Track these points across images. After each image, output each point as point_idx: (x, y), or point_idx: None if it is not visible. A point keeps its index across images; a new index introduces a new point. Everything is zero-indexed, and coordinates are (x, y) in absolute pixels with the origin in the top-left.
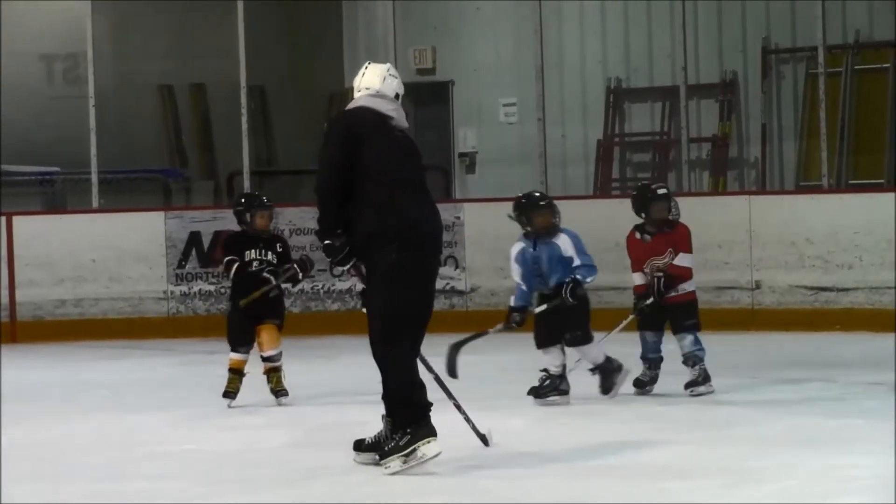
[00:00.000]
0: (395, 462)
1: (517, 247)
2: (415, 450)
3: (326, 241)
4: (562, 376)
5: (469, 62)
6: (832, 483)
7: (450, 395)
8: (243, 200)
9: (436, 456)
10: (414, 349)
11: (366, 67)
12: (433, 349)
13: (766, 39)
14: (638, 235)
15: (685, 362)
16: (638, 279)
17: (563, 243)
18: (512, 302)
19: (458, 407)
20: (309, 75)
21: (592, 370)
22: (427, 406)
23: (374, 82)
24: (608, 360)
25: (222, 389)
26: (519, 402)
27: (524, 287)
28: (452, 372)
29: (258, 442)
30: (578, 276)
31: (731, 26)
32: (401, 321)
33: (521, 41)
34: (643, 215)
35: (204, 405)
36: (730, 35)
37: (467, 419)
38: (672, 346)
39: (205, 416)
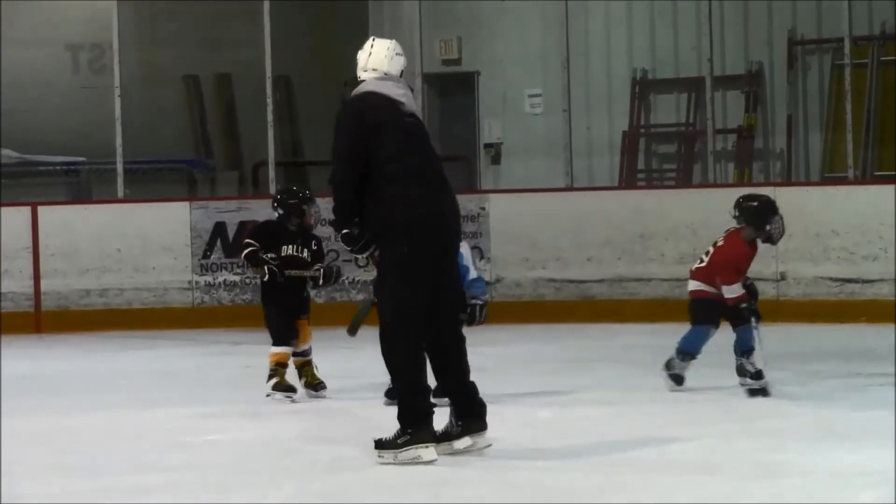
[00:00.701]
0: (388, 455)
1: None
2: (410, 451)
3: (345, 231)
4: None
5: (495, 53)
6: (855, 477)
7: None
8: (298, 194)
9: (431, 461)
10: (431, 346)
11: (371, 44)
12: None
13: (792, 31)
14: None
15: (742, 354)
16: (739, 289)
17: (465, 251)
18: None
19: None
20: (335, 65)
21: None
22: (430, 411)
23: (381, 63)
24: None
25: (245, 381)
26: (543, 395)
27: None
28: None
29: (284, 433)
30: (477, 294)
31: (757, 17)
32: (409, 318)
33: (547, 32)
34: (764, 227)
35: (229, 395)
36: (756, 26)
37: None
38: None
39: (231, 407)
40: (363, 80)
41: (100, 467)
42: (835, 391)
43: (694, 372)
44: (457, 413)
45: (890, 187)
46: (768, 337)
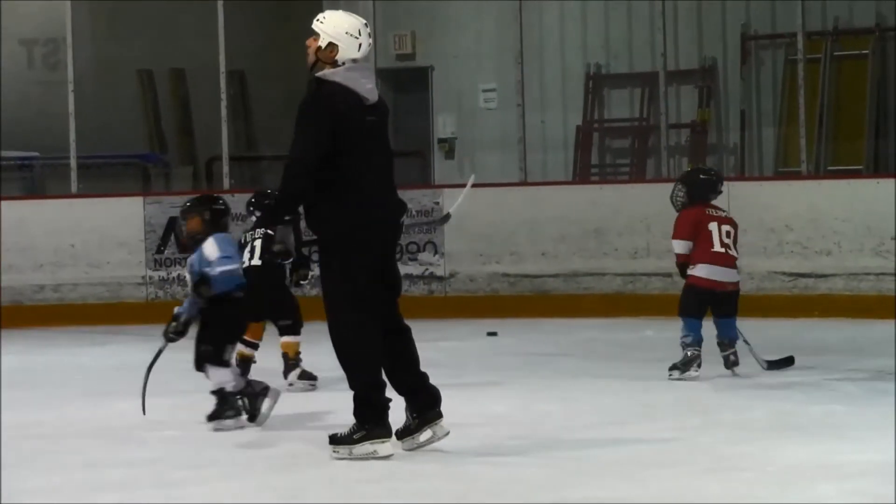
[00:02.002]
0: (343, 450)
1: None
2: (365, 446)
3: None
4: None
5: (449, 48)
6: (813, 469)
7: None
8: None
9: (387, 457)
10: (386, 342)
11: (355, 33)
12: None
13: (746, 26)
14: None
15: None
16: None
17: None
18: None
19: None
20: (289, 60)
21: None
22: (386, 406)
23: (350, 52)
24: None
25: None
26: (499, 389)
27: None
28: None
29: (241, 428)
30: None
31: (710, 13)
32: (366, 314)
33: (500, 26)
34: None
35: (185, 391)
36: (709, 21)
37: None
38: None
39: (186, 402)
40: (332, 69)
41: (54, 463)
42: (790, 385)
43: (645, 366)
44: (411, 406)
45: (843, 182)
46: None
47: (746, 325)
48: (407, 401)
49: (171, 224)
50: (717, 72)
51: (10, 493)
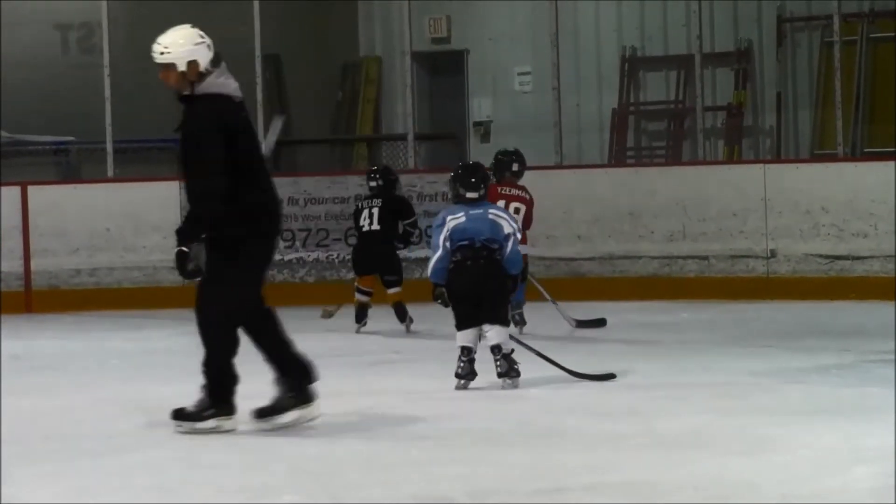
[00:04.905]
0: (187, 425)
1: None
2: (210, 422)
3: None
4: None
5: (484, 31)
6: (847, 452)
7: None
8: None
9: (230, 430)
10: (259, 335)
11: (201, 36)
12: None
13: (781, 8)
14: None
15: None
16: None
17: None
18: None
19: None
20: (324, 44)
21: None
22: (236, 385)
23: (207, 58)
24: None
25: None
26: (534, 371)
27: None
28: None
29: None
30: None
31: None
32: (249, 309)
33: (536, 10)
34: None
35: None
36: (745, 3)
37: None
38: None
39: None
40: (203, 79)
41: (89, 447)
42: (825, 368)
43: (683, 349)
44: (286, 384)
45: (879, 164)
46: (759, 314)
47: (782, 308)
48: (283, 377)
49: None
50: (753, 54)
51: (42, 474)
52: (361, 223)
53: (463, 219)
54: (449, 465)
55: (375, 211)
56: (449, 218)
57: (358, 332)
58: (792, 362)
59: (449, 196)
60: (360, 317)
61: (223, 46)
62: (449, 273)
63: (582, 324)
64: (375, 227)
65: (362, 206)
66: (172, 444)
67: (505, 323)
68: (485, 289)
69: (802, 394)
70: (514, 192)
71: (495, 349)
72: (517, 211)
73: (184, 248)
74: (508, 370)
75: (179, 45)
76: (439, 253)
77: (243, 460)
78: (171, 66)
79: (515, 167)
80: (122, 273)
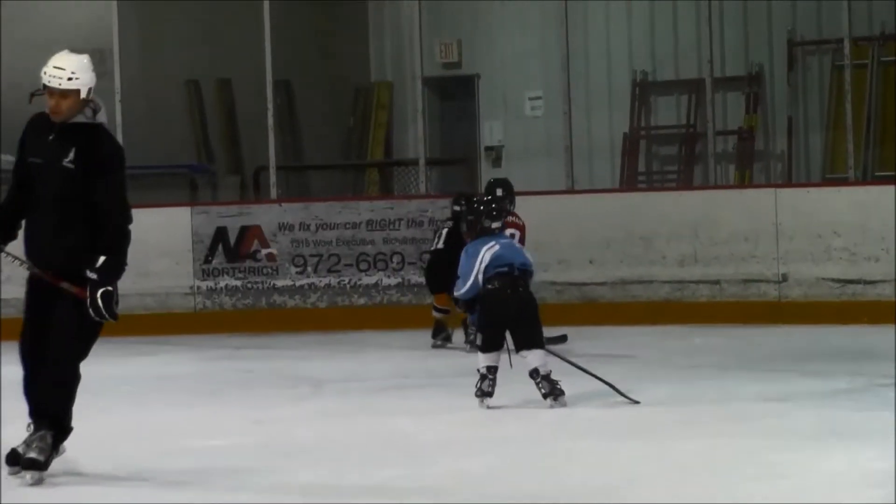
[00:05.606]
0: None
1: None
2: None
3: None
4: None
5: (495, 55)
6: (857, 477)
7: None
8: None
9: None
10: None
11: (87, 61)
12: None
13: (792, 32)
14: None
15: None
16: None
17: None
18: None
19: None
20: (335, 69)
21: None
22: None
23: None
24: None
25: (247, 385)
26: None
27: None
28: None
29: (285, 434)
30: None
31: (756, 19)
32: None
33: (546, 34)
34: None
35: (232, 400)
36: (755, 28)
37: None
38: None
39: (234, 412)
40: (99, 111)
41: (101, 473)
42: (837, 392)
43: (693, 373)
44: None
45: (891, 187)
46: (770, 338)
47: (795, 332)
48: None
49: (219, 234)
50: (764, 78)
51: (55, 497)
52: (433, 243)
53: (497, 247)
54: (462, 488)
55: (444, 232)
56: (485, 248)
57: (433, 346)
58: (804, 386)
59: (464, 223)
60: (437, 333)
61: (235, 72)
62: (486, 299)
63: (549, 341)
64: (440, 245)
65: (439, 226)
66: (191, 470)
67: (541, 346)
68: (524, 315)
69: (815, 418)
70: (508, 218)
71: (534, 373)
72: (512, 236)
73: (110, 288)
74: (552, 390)
75: (85, 69)
76: (470, 282)
77: (257, 487)
78: (74, 93)
79: (500, 192)
80: (135, 299)
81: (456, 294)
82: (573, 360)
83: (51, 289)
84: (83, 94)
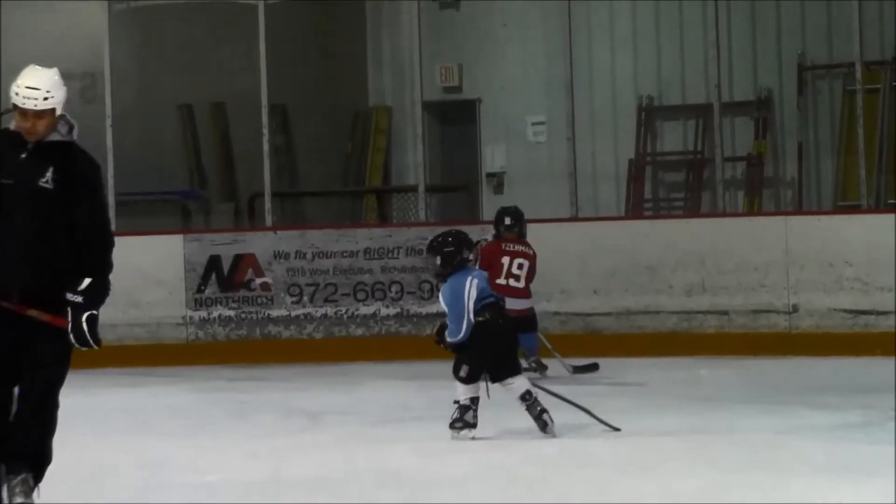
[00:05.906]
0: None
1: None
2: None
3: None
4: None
5: (497, 80)
6: None
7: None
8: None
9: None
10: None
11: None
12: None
13: (802, 55)
14: None
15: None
16: None
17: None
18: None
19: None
20: (332, 94)
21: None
22: None
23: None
24: None
25: (241, 417)
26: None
27: None
28: None
29: (282, 469)
30: None
31: (765, 42)
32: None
33: (549, 58)
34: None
35: (226, 432)
36: (764, 51)
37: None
38: None
39: (227, 445)
40: (73, 124)
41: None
42: (849, 425)
43: (702, 406)
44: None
45: None
46: (781, 370)
47: (805, 364)
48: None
49: (213, 262)
50: (773, 103)
51: None
52: None
53: (478, 279)
54: None
55: None
56: (468, 283)
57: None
58: (814, 419)
59: (439, 263)
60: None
61: (230, 96)
62: (481, 331)
63: (578, 369)
64: None
65: None
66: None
67: (521, 371)
68: (510, 345)
69: (825, 451)
70: (518, 247)
71: (527, 394)
72: (521, 266)
73: (95, 312)
74: (541, 412)
75: (59, 87)
76: (465, 324)
77: None
78: (49, 112)
79: (508, 220)
80: (125, 330)
81: (455, 339)
82: (551, 388)
83: (18, 320)
84: (59, 112)
